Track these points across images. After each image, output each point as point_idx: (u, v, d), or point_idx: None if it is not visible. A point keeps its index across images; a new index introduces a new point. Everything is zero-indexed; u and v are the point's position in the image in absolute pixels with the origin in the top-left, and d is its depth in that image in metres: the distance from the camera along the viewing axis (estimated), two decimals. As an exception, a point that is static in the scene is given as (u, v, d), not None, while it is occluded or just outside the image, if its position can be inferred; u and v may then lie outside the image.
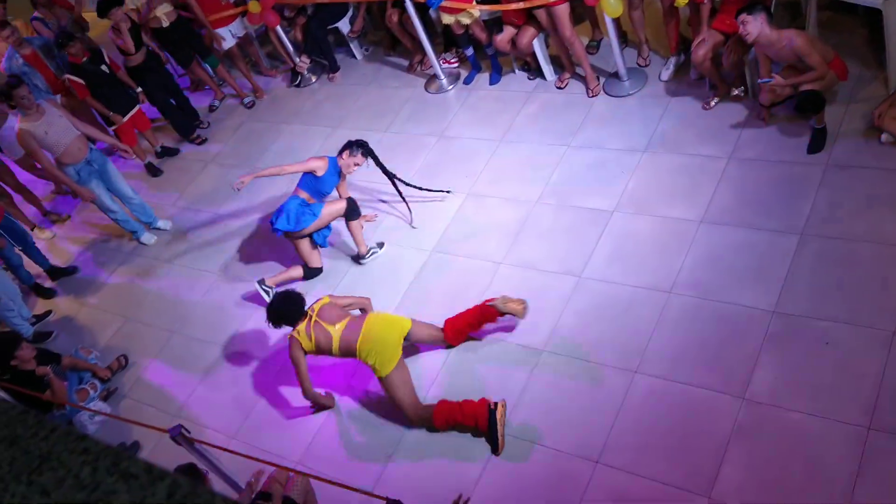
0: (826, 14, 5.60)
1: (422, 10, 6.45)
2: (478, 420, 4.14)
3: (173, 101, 7.54)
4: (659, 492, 3.69)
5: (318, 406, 4.69)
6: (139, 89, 7.26)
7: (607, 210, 5.16)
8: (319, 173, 5.13)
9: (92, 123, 7.21)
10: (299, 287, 5.18)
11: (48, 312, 6.36)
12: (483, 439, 4.21)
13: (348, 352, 4.29)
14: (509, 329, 4.70)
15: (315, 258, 5.48)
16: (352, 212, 5.32)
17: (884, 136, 4.73)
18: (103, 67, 6.88)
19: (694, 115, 5.55)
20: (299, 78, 7.80)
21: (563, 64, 6.29)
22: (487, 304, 4.56)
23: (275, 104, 7.79)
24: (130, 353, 5.68)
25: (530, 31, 6.07)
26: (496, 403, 4.14)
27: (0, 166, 7.15)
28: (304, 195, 5.19)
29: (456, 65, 7.01)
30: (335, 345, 4.28)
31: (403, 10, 6.54)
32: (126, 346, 5.79)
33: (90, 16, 8.04)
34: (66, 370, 5.26)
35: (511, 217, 5.43)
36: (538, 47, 6.22)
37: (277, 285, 5.40)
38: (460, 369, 4.62)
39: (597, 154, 5.61)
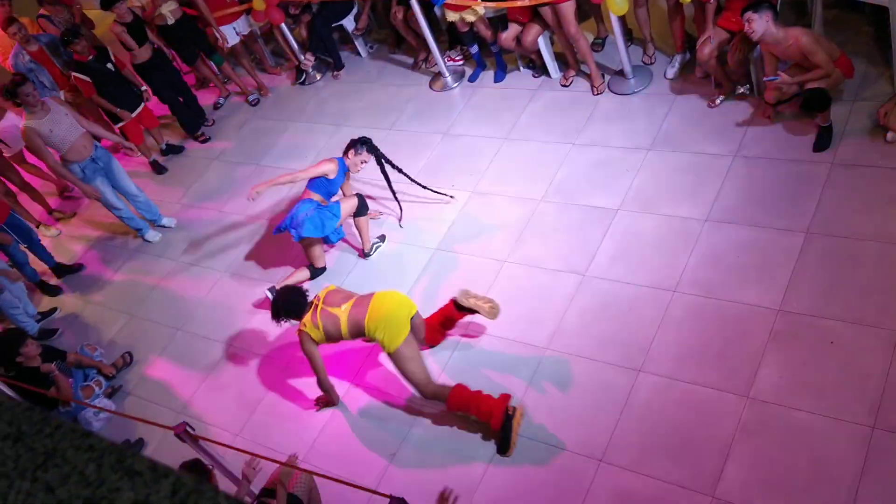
0: (832, 12, 5.59)
1: (426, 8, 6.44)
2: (492, 419, 4.11)
3: (181, 99, 7.55)
4: (663, 490, 3.69)
5: (326, 401, 4.70)
6: (144, 87, 7.27)
7: (612, 208, 5.16)
8: (332, 176, 5.14)
9: (97, 121, 7.23)
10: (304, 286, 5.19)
11: (53, 309, 6.38)
12: (486, 435, 4.21)
13: (357, 330, 4.24)
14: (513, 328, 4.70)
15: (323, 258, 5.50)
16: (361, 208, 5.34)
17: (889, 135, 4.72)
18: (109, 65, 6.89)
19: (699, 113, 5.54)
20: (304, 76, 7.81)
21: (568, 62, 6.28)
22: (452, 299, 4.58)
23: (279, 102, 7.79)
24: (135, 351, 5.70)
25: (535, 28, 6.06)
26: (514, 409, 4.10)
27: (5, 164, 7.17)
28: (317, 198, 5.20)
29: (460, 62, 7.00)
30: (343, 327, 4.24)
31: (408, 7, 6.54)
32: (131, 343, 5.80)
33: (95, 14, 8.06)
34: (72, 367, 5.28)
35: (515, 215, 5.43)
36: (543, 45, 6.21)
37: None
38: (464, 367, 4.62)
39: (601, 152, 5.60)
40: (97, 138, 6.32)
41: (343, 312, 4.26)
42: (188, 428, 3.28)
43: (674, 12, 5.65)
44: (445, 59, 6.91)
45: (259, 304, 5.59)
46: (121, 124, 7.10)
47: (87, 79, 6.73)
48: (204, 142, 7.63)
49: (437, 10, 6.45)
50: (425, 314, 4.62)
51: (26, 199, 7.42)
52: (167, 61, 7.41)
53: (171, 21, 7.16)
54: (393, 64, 7.53)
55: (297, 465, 3.74)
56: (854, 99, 5.07)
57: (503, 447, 4.09)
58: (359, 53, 7.80)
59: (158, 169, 7.47)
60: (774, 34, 4.69)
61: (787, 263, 4.38)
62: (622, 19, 5.71)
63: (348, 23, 7.54)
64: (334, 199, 5.37)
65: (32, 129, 5.81)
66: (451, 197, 5.71)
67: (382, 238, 5.64)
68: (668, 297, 4.49)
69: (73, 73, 6.74)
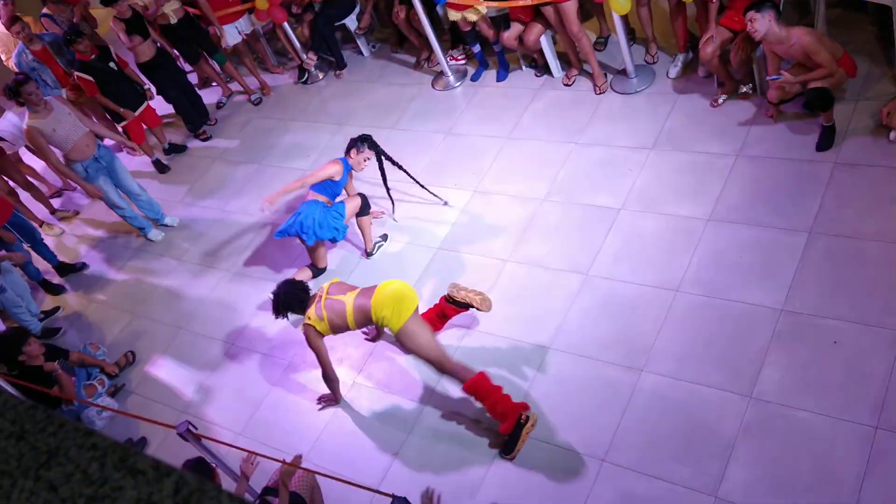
0: (835, 11, 5.58)
1: (429, 7, 6.44)
2: (504, 422, 4.05)
3: (185, 98, 7.56)
4: (665, 490, 3.69)
5: (329, 400, 4.70)
6: (147, 85, 7.28)
7: (614, 208, 5.15)
8: (337, 178, 5.14)
9: (101, 120, 7.24)
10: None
11: (56, 309, 6.39)
12: (489, 434, 4.21)
13: (363, 315, 4.22)
14: (515, 327, 4.69)
15: (325, 259, 5.49)
16: (364, 208, 5.34)
17: (892, 135, 4.71)
18: (111, 64, 6.90)
19: (702, 112, 5.54)
20: (306, 75, 7.81)
21: (571, 61, 6.27)
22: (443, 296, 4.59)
23: (282, 101, 7.79)
24: (138, 350, 5.70)
25: (538, 27, 6.06)
26: (528, 417, 4.06)
27: (8, 163, 7.19)
28: (322, 199, 5.19)
29: (463, 62, 7.00)
30: (349, 312, 4.23)
31: (410, 6, 6.54)
32: (133, 342, 5.81)
33: (98, 12, 8.07)
34: (74, 366, 5.28)
35: (518, 214, 5.42)
36: (546, 44, 6.21)
37: None
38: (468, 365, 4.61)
39: (604, 151, 5.60)
40: (100, 137, 6.33)
41: (348, 299, 4.26)
42: (190, 427, 3.29)
43: (676, 11, 5.65)
44: (448, 59, 6.91)
45: (261, 304, 5.59)
46: (123, 123, 7.11)
47: (90, 78, 6.74)
48: (205, 140, 7.64)
49: (439, 9, 6.46)
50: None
51: (29, 198, 7.43)
52: (171, 60, 7.42)
53: (173, 20, 7.17)
54: (395, 63, 7.53)
55: (300, 464, 3.73)
56: (857, 98, 5.06)
57: (507, 450, 4.08)
58: (361, 52, 7.80)
59: (161, 168, 7.48)
60: (777, 33, 4.69)
61: (790, 263, 4.38)
62: (625, 18, 5.71)
63: (351, 22, 7.54)
64: (338, 199, 5.37)
65: (36, 128, 5.82)
66: (444, 202, 5.70)
67: (385, 237, 5.65)
68: (671, 297, 4.49)
69: (76, 73, 6.74)
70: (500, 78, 6.70)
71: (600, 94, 6.06)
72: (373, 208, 5.65)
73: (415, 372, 4.72)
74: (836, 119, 4.86)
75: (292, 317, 5.36)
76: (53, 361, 4.97)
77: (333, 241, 5.39)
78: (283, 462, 3.60)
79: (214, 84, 8.17)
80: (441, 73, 6.96)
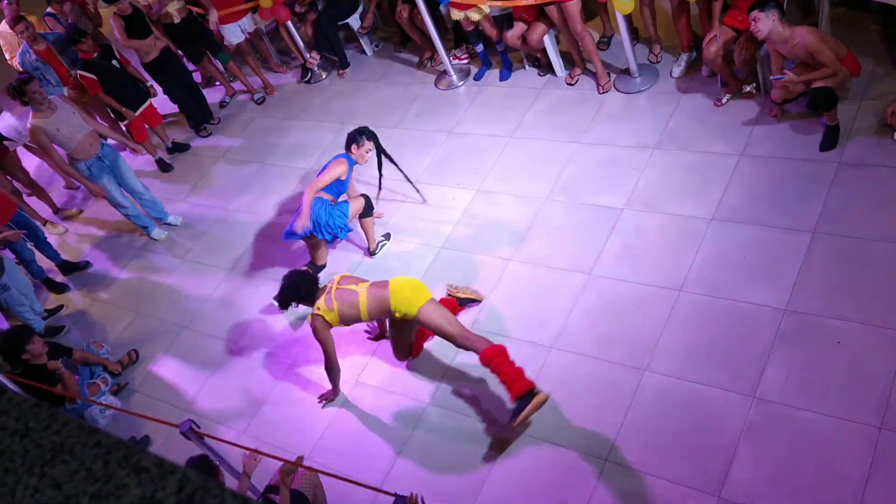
0: (839, 10, 5.57)
1: (432, 6, 6.44)
2: (513, 388, 3.96)
3: (190, 98, 7.57)
4: (668, 490, 3.68)
5: (328, 396, 4.71)
6: (150, 84, 7.29)
7: (617, 207, 5.15)
8: (344, 177, 5.14)
9: (104, 119, 7.25)
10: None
11: (60, 307, 6.41)
12: (491, 433, 4.22)
13: (378, 303, 4.23)
14: (518, 327, 4.69)
15: (325, 257, 5.49)
16: (367, 209, 5.34)
17: (897, 134, 4.70)
18: (114, 62, 6.91)
19: (705, 111, 5.53)
20: (309, 74, 7.81)
21: (574, 60, 6.27)
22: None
23: (285, 100, 7.80)
24: (141, 348, 5.71)
25: (541, 27, 6.05)
26: (539, 392, 3.95)
27: (12, 163, 7.20)
28: (327, 197, 5.19)
29: (466, 61, 7.00)
30: (363, 303, 4.24)
31: (414, 6, 6.54)
32: (136, 340, 5.82)
33: (105, 12, 8.07)
34: (78, 364, 5.30)
35: (521, 214, 5.42)
36: (549, 43, 6.21)
37: None
38: (469, 366, 4.62)
39: (607, 151, 5.59)
40: (103, 137, 6.34)
41: (362, 289, 4.28)
42: (193, 425, 3.29)
43: (678, 11, 5.64)
44: (451, 58, 6.91)
45: (264, 303, 5.59)
46: (126, 122, 7.12)
47: (93, 76, 6.74)
48: (205, 136, 7.65)
49: (442, 8, 6.45)
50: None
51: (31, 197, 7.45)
52: (176, 60, 7.43)
53: (177, 20, 7.18)
54: (398, 62, 7.54)
55: (301, 464, 3.74)
56: (861, 98, 5.05)
57: (514, 414, 3.97)
58: (364, 52, 7.80)
59: (164, 167, 7.49)
60: (781, 33, 4.68)
61: (793, 263, 4.37)
62: (628, 18, 5.70)
63: (354, 21, 7.54)
64: (342, 197, 5.37)
65: (39, 127, 5.83)
66: (423, 200, 5.74)
67: (388, 236, 5.65)
68: (674, 297, 4.48)
69: (79, 72, 6.75)
70: (503, 77, 6.69)
71: (604, 93, 6.06)
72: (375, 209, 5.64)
73: (417, 371, 4.72)
74: (839, 119, 4.85)
75: (293, 317, 5.39)
76: (57, 360, 4.98)
77: (334, 238, 5.38)
78: (284, 461, 3.60)
79: (218, 83, 8.18)
80: (444, 73, 6.96)
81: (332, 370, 4.53)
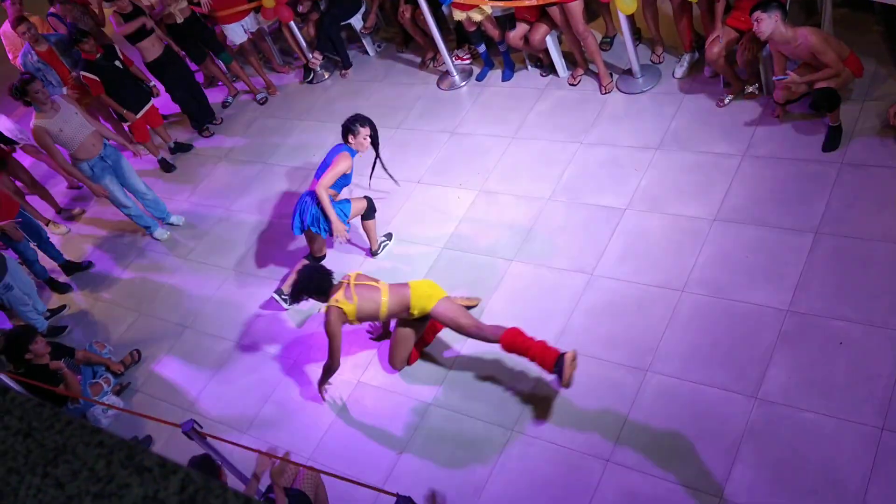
0: (841, 11, 5.56)
1: (434, 7, 6.44)
2: (546, 362, 4.10)
3: (192, 98, 7.58)
4: (671, 491, 3.68)
5: (324, 383, 4.71)
6: (152, 83, 7.30)
7: (619, 208, 5.15)
8: (349, 171, 5.11)
9: (106, 120, 7.26)
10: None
11: (63, 307, 6.42)
12: (494, 434, 4.22)
13: (400, 301, 4.31)
14: (521, 326, 4.68)
15: (324, 248, 5.44)
16: (370, 211, 5.33)
17: (900, 135, 4.69)
18: (117, 63, 6.92)
19: (708, 112, 5.53)
20: (312, 74, 7.82)
21: (576, 60, 6.26)
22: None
23: (287, 100, 7.81)
24: (143, 348, 5.72)
25: (543, 27, 6.05)
26: (565, 353, 4.05)
27: (14, 163, 7.21)
28: (331, 192, 5.16)
29: (468, 61, 7.00)
30: (384, 298, 4.30)
31: (416, 6, 6.54)
32: (139, 340, 5.82)
33: (108, 12, 8.08)
34: (80, 364, 5.30)
35: (523, 214, 5.42)
36: (551, 44, 6.21)
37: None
38: (472, 367, 4.62)
39: (609, 151, 5.59)
40: (106, 137, 6.35)
41: (383, 286, 4.36)
42: (195, 425, 3.30)
43: (679, 12, 5.63)
44: (453, 58, 6.91)
45: (267, 302, 5.60)
46: (128, 123, 7.13)
47: (96, 77, 6.75)
48: (207, 137, 7.66)
49: (444, 8, 6.45)
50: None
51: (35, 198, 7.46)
52: (179, 59, 7.44)
53: (180, 20, 7.19)
54: (401, 63, 7.54)
55: (287, 459, 3.73)
56: (863, 99, 5.04)
57: (559, 381, 4.09)
58: (367, 52, 7.81)
59: (167, 167, 7.49)
60: (783, 33, 4.68)
61: (795, 263, 4.37)
62: (630, 18, 5.70)
63: (356, 21, 7.55)
64: (343, 192, 5.33)
65: (42, 128, 5.84)
66: (396, 182, 5.62)
67: (389, 236, 5.65)
68: (676, 297, 4.48)
69: (82, 73, 6.76)
70: (505, 78, 6.69)
71: (606, 93, 6.06)
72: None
73: (418, 372, 4.73)
74: (842, 119, 4.85)
75: (295, 317, 5.39)
76: (59, 360, 4.99)
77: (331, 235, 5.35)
78: (297, 464, 3.60)
79: (220, 83, 8.19)
80: (446, 73, 6.96)
81: (331, 369, 4.50)
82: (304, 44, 7.73)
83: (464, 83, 6.87)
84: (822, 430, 3.65)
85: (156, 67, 7.19)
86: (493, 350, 4.64)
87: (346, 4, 7.43)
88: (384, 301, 4.31)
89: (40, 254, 6.57)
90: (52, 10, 7.74)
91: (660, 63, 6.09)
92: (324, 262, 5.45)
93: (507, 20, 6.35)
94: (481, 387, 4.48)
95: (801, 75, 4.76)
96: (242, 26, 7.55)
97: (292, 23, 7.54)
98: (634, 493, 3.74)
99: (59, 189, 7.92)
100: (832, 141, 4.86)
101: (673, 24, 5.91)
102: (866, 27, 5.49)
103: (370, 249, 5.58)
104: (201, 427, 3.35)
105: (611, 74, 6.12)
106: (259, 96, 7.88)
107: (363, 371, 4.86)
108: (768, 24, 4.64)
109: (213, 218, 6.70)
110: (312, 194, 5.09)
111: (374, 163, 5.37)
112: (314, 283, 4.35)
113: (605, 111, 5.93)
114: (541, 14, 6.00)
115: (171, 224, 6.76)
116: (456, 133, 6.42)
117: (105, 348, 5.63)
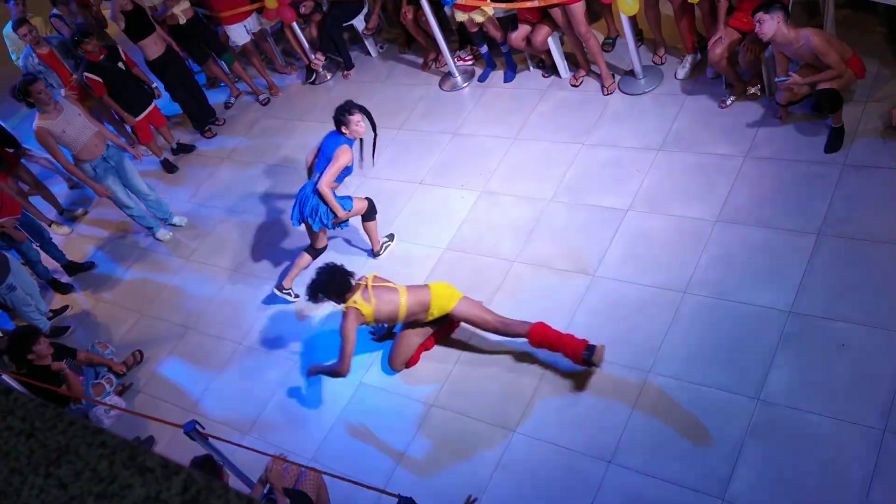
0: (844, 12, 5.56)
1: (436, 8, 6.45)
2: (576, 356, 4.21)
3: (191, 98, 7.59)
4: (672, 492, 3.68)
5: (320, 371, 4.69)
6: (154, 84, 7.30)
7: (621, 209, 5.15)
8: (350, 164, 5.09)
9: (108, 122, 7.26)
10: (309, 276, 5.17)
11: (65, 307, 6.42)
12: (495, 435, 4.22)
13: (419, 303, 4.38)
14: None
15: (325, 239, 5.40)
16: (370, 212, 5.32)
17: (902, 136, 4.69)
18: (120, 65, 6.92)
19: (710, 113, 5.52)
20: (314, 75, 7.82)
21: (578, 61, 6.26)
22: None
23: (290, 101, 7.81)
24: (145, 349, 5.72)
25: (545, 28, 6.05)
26: (595, 346, 4.18)
27: (18, 164, 7.22)
28: (333, 185, 5.13)
29: (471, 62, 7.00)
30: (403, 301, 4.35)
31: (418, 7, 6.55)
32: (141, 341, 5.83)
33: (106, 11, 8.09)
34: (83, 365, 5.31)
35: (525, 215, 5.42)
36: (553, 45, 6.21)
37: (293, 282, 5.41)
38: (473, 367, 4.62)
39: (611, 152, 5.59)
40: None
41: (402, 288, 4.41)
42: (197, 426, 3.30)
43: (680, 13, 5.63)
44: (455, 59, 6.91)
45: (269, 303, 5.60)
46: (130, 125, 7.15)
47: (99, 79, 6.76)
48: (210, 138, 7.67)
49: (447, 9, 6.46)
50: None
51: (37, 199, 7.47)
52: (180, 59, 7.44)
53: (182, 21, 7.20)
54: (403, 64, 7.54)
55: (285, 459, 3.74)
56: (866, 100, 5.04)
57: (590, 363, 4.21)
58: (369, 53, 7.81)
59: (169, 168, 7.50)
60: (786, 34, 4.67)
61: (798, 265, 4.36)
62: (633, 19, 5.70)
63: (358, 22, 7.55)
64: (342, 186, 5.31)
65: (45, 129, 5.84)
66: (372, 164, 5.50)
67: (391, 237, 5.65)
68: (679, 298, 4.48)
69: (86, 74, 6.76)
70: (507, 79, 6.70)
71: (608, 94, 6.06)
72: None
73: (420, 373, 4.73)
74: (844, 120, 4.84)
75: (297, 317, 5.39)
76: (61, 361, 4.99)
77: (329, 227, 5.31)
78: (306, 467, 3.61)
79: (223, 84, 8.20)
80: (448, 74, 6.96)
81: (339, 372, 4.40)
82: (306, 45, 7.73)
83: (466, 84, 6.87)
84: (824, 431, 3.64)
85: (157, 66, 7.20)
86: (493, 351, 4.65)
87: (348, 5, 7.43)
88: (403, 302, 4.34)
89: (43, 254, 6.58)
90: (55, 11, 7.75)
91: (662, 64, 6.09)
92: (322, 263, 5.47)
93: (509, 21, 6.36)
94: (483, 388, 4.48)
95: (804, 76, 4.76)
96: (245, 27, 7.55)
97: (295, 24, 7.55)
98: (636, 494, 3.74)
99: (60, 190, 7.93)
100: (834, 142, 4.85)
101: (675, 26, 5.91)
102: (869, 28, 5.48)
103: (372, 250, 5.59)
104: (203, 428, 3.35)
105: (613, 75, 6.12)
106: (261, 97, 7.89)
107: (365, 372, 4.86)
108: (770, 25, 4.63)
109: (215, 219, 6.70)
110: (313, 186, 5.07)
111: (374, 142, 5.26)
112: (334, 283, 4.35)
113: (607, 112, 5.93)
114: (543, 15, 6.00)
115: (174, 225, 6.76)
116: (458, 134, 6.42)
117: (107, 349, 5.64)
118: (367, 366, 4.89)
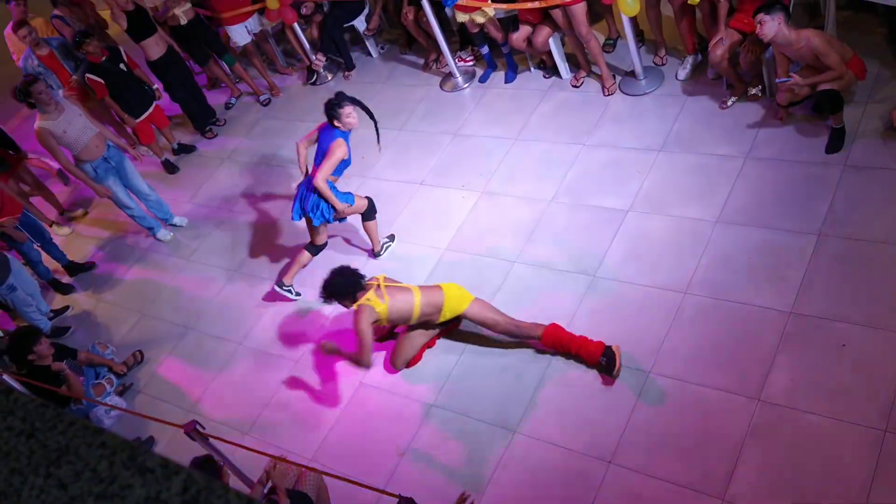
0: (845, 13, 5.56)
1: (437, 8, 6.45)
2: (592, 357, 4.23)
3: (192, 98, 7.59)
4: (672, 493, 3.68)
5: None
6: (155, 85, 7.31)
7: (622, 209, 5.15)
8: (346, 156, 5.07)
9: (109, 123, 7.26)
10: (308, 274, 5.18)
11: (66, 308, 6.43)
12: (496, 435, 4.22)
13: (432, 304, 4.40)
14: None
15: (325, 235, 5.39)
16: (370, 212, 5.32)
17: (903, 137, 4.69)
18: (121, 66, 6.92)
19: (710, 114, 5.52)
20: (315, 76, 7.83)
21: (579, 62, 6.26)
22: None
23: (290, 102, 7.81)
24: (146, 349, 5.72)
25: (546, 29, 6.05)
26: (610, 346, 4.21)
27: (18, 165, 7.22)
28: (332, 178, 5.12)
29: (471, 63, 7.00)
30: (417, 301, 4.37)
31: (419, 8, 6.55)
32: (142, 341, 5.83)
33: (106, 13, 8.09)
34: (83, 365, 5.31)
35: (525, 216, 5.42)
36: (554, 46, 6.21)
37: (294, 278, 5.42)
38: (473, 367, 4.62)
39: (612, 153, 5.59)
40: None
41: (416, 288, 4.43)
42: (198, 426, 3.30)
43: (680, 14, 5.63)
44: (456, 60, 6.91)
45: (269, 304, 5.60)
46: (130, 126, 7.15)
47: (100, 80, 6.76)
48: (211, 138, 7.68)
49: (448, 10, 6.46)
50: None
51: (39, 199, 7.47)
52: (181, 59, 7.45)
53: (183, 22, 7.20)
54: (404, 64, 7.54)
55: (286, 460, 3.74)
56: (867, 101, 5.04)
57: (608, 369, 4.21)
58: (370, 54, 7.81)
59: (170, 168, 7.51)
60: (786, 35, 4.67)
61: (798, 266, 4.36)
62: (633, 20, 5.70)
63: (359, 23, 7.55)
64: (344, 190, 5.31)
65: (46, 129, 5.84)
66: (380, 149, 5.40)
67: (392, 237, 5.65)
68: (679, 299, 4.48)
69: (87, 75, 6.76)
70: (508, 79, 6.70)
71: (609, 95, 6.06)
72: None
73: (421, 373, 4.73)
74: (845, 121, 4.84)
75: (298, 317, 5.39)
76: (62, 361, 5.00)
77: (329, 221, 5.29)
78: (307, 468, 3.60)
79: (224, 85, 8.20)
80: (449, 75, 6.96)
81: (361, 363, 4.37)
82: (307, 45, 7.73)
83: (467, 85, 6.87)
84: (824, 432, 3.64)
85: (158, 67, 7.20)
86: (495, 352, 4.65)
87: (349, 6, 7.43)
88: (417, 302, 4.36)
89: (44, 255, 6.58)
90: (56, 12, 7.75)
91: (663, 65, 6.09)
92: (322, 262, 5.48)
93: (510, 22, 6.35)
94: (483, 388, 4.48)
95: (804, 77, 4.76)
96: (246, 28, 7.55)
97: (296, 24, 7.55)
98: (637, 494, 3.74)
99: (60, 190, 7.93)
100: (835, 143, 4.85)
101: (675, 26, 5.91)
102: (869, 29, 5.48)
103: (372, 250, 5.59)
104: (203, 428, 3.35)
105: (614, 76, 6.12)
106: (262, 98, 7.89)
107: (366, 372, 4.86)
108: (771, 26, 4.63)
109: (215, 219, 6.71)
110: (312, 181, 5.05)
111: (376, 128, 5.22)
112: (347, 283, 4.35)
113: (608, 113, 5.93)
114: (544, 16, 6.00)
115: (174, 225, 6.77)
116: (459, 134, 6.42)
117: (108, 349, 5.64)
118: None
